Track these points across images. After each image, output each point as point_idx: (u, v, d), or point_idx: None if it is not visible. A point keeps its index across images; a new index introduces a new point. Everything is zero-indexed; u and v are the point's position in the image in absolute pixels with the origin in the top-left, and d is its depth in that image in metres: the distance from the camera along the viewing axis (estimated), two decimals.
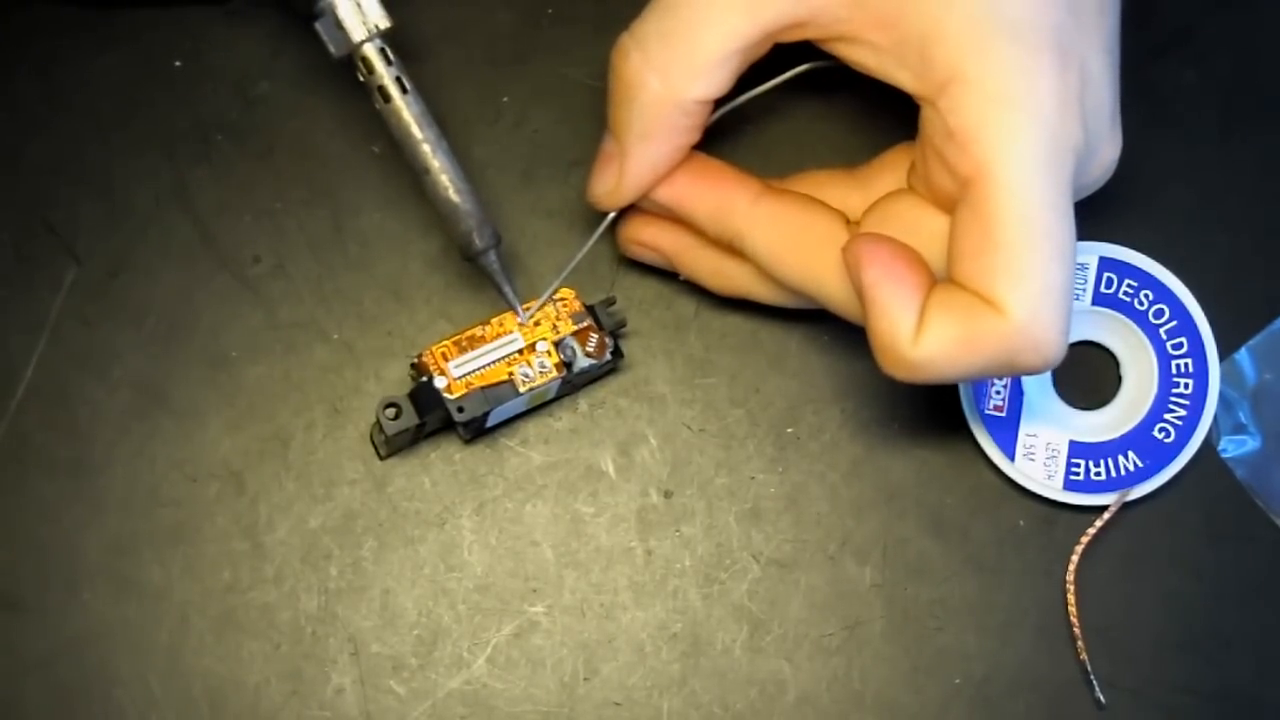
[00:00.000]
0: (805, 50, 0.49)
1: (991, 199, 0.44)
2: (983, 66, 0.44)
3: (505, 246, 0.50)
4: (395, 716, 0.49)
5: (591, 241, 0.50)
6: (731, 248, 0.49)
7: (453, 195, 0.49)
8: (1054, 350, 0.45)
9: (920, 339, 0.44)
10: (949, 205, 0.46)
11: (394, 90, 0.49)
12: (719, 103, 0.48)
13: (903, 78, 0.46)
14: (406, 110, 0.49)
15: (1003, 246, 0.44)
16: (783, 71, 0.50)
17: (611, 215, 0.50)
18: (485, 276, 0.50)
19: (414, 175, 0.49)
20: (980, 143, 0.44)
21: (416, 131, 0.49)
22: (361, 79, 0.49)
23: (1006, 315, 0.44)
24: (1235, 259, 0.54)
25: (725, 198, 0.49)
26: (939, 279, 0.46)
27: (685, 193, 0.49)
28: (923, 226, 0.47)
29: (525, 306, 0.50)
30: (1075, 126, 0.45)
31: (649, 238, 0.51)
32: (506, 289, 0.50)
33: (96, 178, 0.52)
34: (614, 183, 0.49)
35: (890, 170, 0.50)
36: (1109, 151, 0.47)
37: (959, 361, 0.45)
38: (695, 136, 0.48)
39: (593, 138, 0.53)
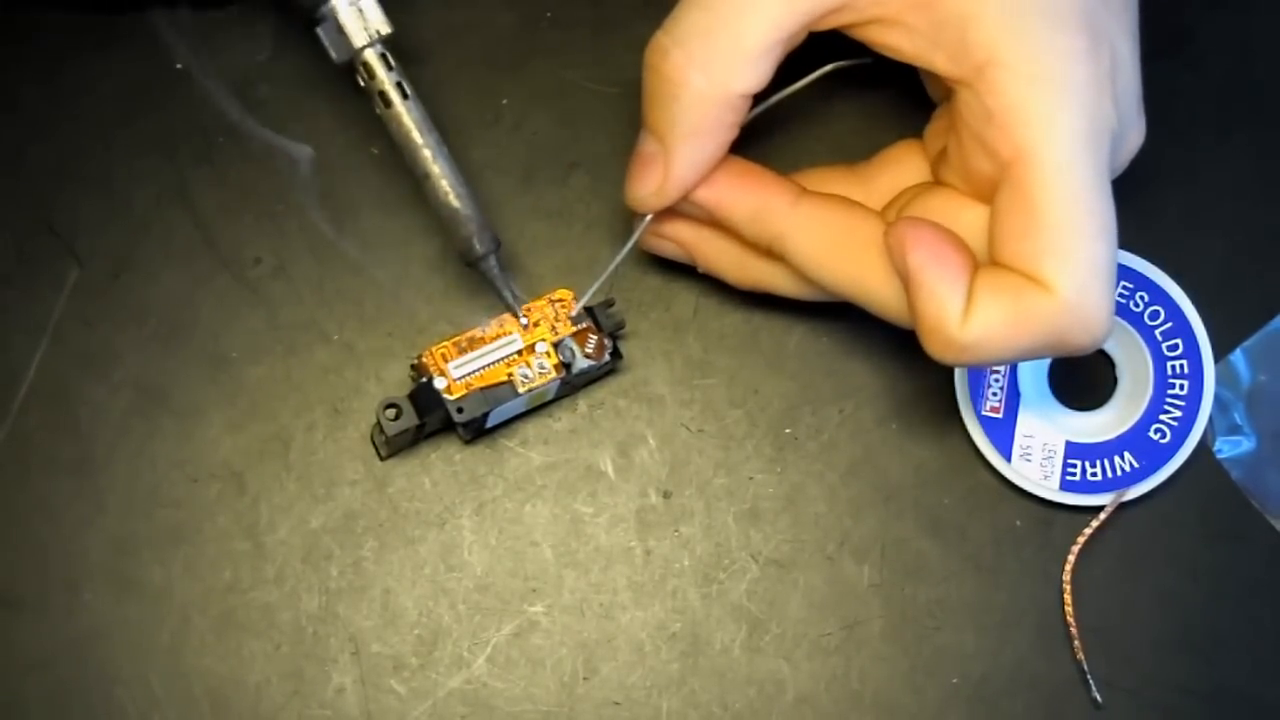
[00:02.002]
0: (828, 48, 0.49)
1: (1035, 180, 0.44)
2: (1021, 48, 0.45)
3: (505, 248, 0.50)
4: (396, 716, 0.49)
5: (631, 244, 0.50)
6: (768, 250, 0.49)
7: (453, 200, 0.49)
8: (1102, 328, 0.45)
9: (969, 320, 0.45)
10: (986, 192, 0.46)
11: (395, 95, 0.49)
12: (755, 100, 0.48)
13: (938, 60, 0.46)
14: (407, 115, 0.49)
15: (1048, 226, 0.44)
16: (806, 67, 0.50)
17: (649, 217, 0.50)
18: (485, 280, 0.50)
19: (414, 180, 0.50)
20: (1021, 124, 0.44)
21: (417, 136, 0.49)
22: (362, 84, 0.49)
23: (1055, 294, 0.44)
24: (1231, 261, 0.54)
25: (765, 199, 0.48)
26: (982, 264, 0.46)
27: (725, 194, 0.49)
28: (960, 218, 0.47)
29: (525, 309, 0.50)
30: (1110, 107, 0.45)
31: (669, 230, 0.51)
32: (507, 294, 0.50)
33: (98, 179, 0.52)
34: (658, 183, 0.48)
35: (892, 167, 0.50)
36: (1135, 136, 0.47)
37: (1008, 342, 0.45)
38: (736, 133, 0.48)
39: (591, 140, 0.53)
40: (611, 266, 0.50)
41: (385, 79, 0.49)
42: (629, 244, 0.50)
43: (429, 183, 0.49)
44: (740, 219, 0.49)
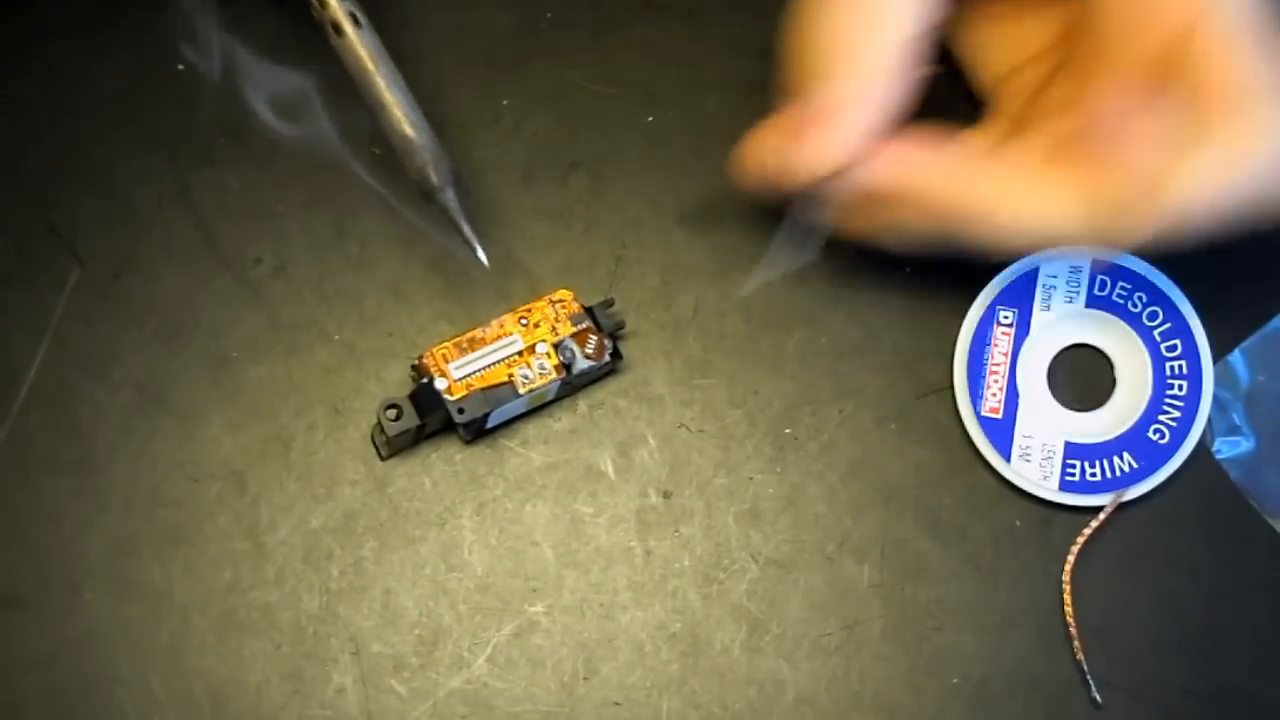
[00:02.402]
0: None
1: (1215, 42, 0.45)
2: None
3: (504, 247, 0.50)
4: (396, 716, 0.49)
5: (798, 215, 0.49)
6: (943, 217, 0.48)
7: (407, 129, 0.49)
8: None
9: (1183, 171, 0.45)
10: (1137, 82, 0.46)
11: (347, 24, 0.48)
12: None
13: None
14: (360, 44, 0.48)
15: (1235, 85, 0.45)
16: None
17: (808, 202, 0.48)
18: (447, 218, 0.49)
19: (370, 113, 0.49)
20: None
21: (370, 66, 0.48)
22: (315, 15, 0.49)
23: (1259, 141, 0.45)
24: (1229, 261, 0.54)
25: (936, 160, 0.48)
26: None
27: (897, 164, 0.48)
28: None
29: (525, 309, 0.50)
30: None
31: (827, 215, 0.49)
32: (465, 228, 0.49)
33: (99, 179, 0.52)
34: (832, 138, 0.46)
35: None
36: None
37: (1220, 194, 0.45)
38: (909, 88, 0.47)
39: (591, 140, 0.54)
40: (783, 238, 0.50)
41: (337, 7, 0.48)
42: (801, 214, 0.49)
43: (384, 112, 0.48)
44: (912, 185, 0.48)
